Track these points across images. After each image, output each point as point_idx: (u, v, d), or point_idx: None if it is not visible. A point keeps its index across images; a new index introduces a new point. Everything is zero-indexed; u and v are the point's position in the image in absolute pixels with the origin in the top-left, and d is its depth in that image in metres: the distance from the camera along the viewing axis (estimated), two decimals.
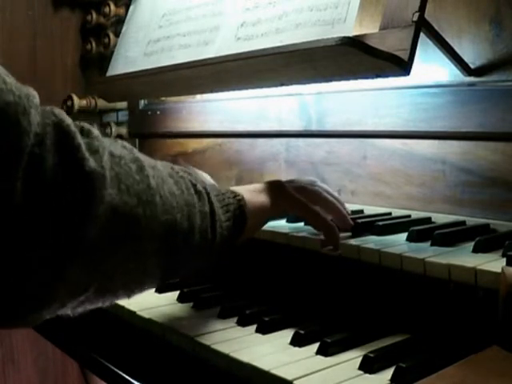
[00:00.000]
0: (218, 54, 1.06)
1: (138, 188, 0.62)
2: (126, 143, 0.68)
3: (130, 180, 0.62)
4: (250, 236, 0.87)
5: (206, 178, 1.01)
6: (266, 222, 0.91)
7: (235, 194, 0.82)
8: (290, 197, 0.89)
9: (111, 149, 0.62)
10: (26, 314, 0.58)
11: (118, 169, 0.61)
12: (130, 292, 0.68)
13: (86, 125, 0.61)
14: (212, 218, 0.75)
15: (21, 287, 0.55)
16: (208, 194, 0.76)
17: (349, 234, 0.92)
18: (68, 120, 0.58)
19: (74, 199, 0.55)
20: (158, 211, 0.65)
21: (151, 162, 0.69)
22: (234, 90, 1.25)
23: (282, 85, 1.07)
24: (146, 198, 0.63)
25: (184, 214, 0.69)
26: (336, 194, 1.02)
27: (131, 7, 1.39)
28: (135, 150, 0.67)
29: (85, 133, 0.60)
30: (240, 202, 0.82)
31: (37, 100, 0.56)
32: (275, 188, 0.89)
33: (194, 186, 0.74)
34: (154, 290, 1.02)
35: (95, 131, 0.61)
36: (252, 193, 0.86)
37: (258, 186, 0.89)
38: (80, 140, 0.57)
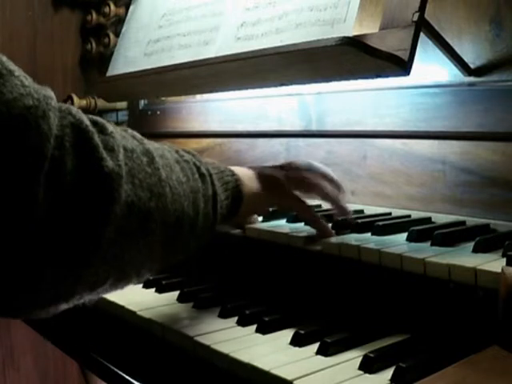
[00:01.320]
0: (218, 54, 1.06)
1: (150, 181, 0.64)
2: (135, 133, 0.69)
3: (143, 174, 0.63)
4: (242, 218, 0.92)
5: None
6: (259, 210, 0.96)
7: (233, 173, 0.86)
8: (284, 190, 0.93)
9: (124, 143, 0.63)
10: (46, 306, 0.60)
11: (131, 163, 0.62)
12: (141, 277, 0.70)
13: (100, 120, 0.62)
14: (214, 199, 0.78)
15: (44, 285, 0.56)
16: (211, 175, 0.79)
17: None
18: (85, 120, 0.58)
19: (94, 201, 0.56)
20: (168, 202, 0.67)
21: (159, 149, 0.70)
22: (233, 90, 1.25)
23: (282, 85, 1.07)
24: (157, 190, 0.65)
25: (190, 200, 0.72)
26: (334, 176, 1.02)
27: (131, 7, 1.39)
28: (145, 140, 0.69)
29: (99, 128, 0.60)
30: (237, 182, 0.86)
31: (54, 101, 0.56)
32: (272, 184, 0.92)
33: (198, 168, 0.76)
34: (154, 289, 1.02)
35: (109, 126, 0.62)
36: (250, 179, 0.89)
37: (256, 174, 0.91)
38: (97, 140, 0.58)
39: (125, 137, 0.65)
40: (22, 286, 0.55)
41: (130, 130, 0.69)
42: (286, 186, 0.93)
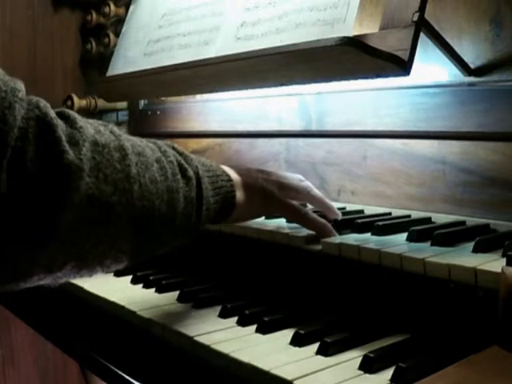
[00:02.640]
0: (218, 54, 1.06)
1: (116, 177, 0.66)
2: (115, 128, 0.71)
3: (110, 169, 0.66)
4: (236, 221, 0.95)
5: None
6: (251, 218, 0.98)
7: (229, 178, 0.87)
8: (279, 202, 0.95)
9: (96, 137, 0.65)
10: (5, 283, 0.63)
11: (100, 158, 0.65)
12: (106, 268, 0.72)
13: (72, 114, 0.65)
14: (199, 202, 0.79)
15: (2, 263, 0.60)
16: (199, 178, 0.80)
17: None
18: (51, 113, 0.61)
19: (52, 189, 0.60)
20: (135, 198, 0.69)
21: (138, 147, 0.72)
22: (233, 90, 1.25)
23: (281, 85, 1.07)
24: (123, 186, 0.67)
25: (164, 199, 0.73)
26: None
27: (131, 7, 1.39)
28: (123, 137, 0.71)
29: (69, 122, 0.63)
30: (232, 188, 0.87)
31: (22, 93, 0.59)
32: (265, 194, 0.94)
33: (184, 171, 0.78)
34: (153, 290, 1.02)
35: (80, 121, 0.65)
36: (245, 187, 0.90)
37: (250, 183, 0.92)
38: (61, 133, 0.61)
39: (100, 131, 0.67)
40: None
41: (110, 126, 0.71)
42: (280, 198, 0.95)
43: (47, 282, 0.67)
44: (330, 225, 0.94)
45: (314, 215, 0.96)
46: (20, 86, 0.60)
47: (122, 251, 0.71)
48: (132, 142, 0.72)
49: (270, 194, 0.94)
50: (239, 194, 0.89)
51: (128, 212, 0.68)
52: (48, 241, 0.61)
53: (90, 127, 0.66)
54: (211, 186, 0.82)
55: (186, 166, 0.79)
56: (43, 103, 0.62)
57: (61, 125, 0.62)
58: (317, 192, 1.03)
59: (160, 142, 0.80)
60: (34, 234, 0.60)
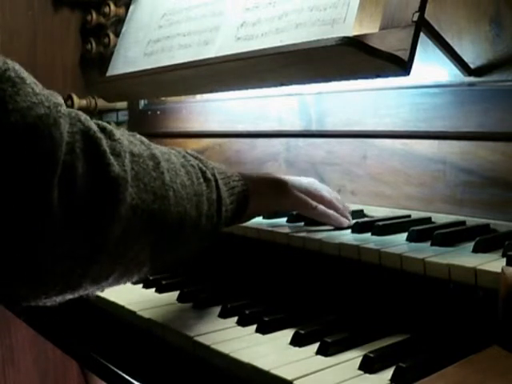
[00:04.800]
0: (218, 54, 1.06)
1: (154, 185, 0.68)
2: (143, 138, 0.73)
3: (148, 177, 0.67)
4: (248, 220, 0.95)
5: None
6: (265, 212, 1.01)
7: (240, 178, 0.88)
8: (294, 196, 0.95)
9: (131, 148, 0.67)
10: (53, 295, 0.64)
11: (138, 168, 0.66)
12: (143, 274, 0.73)
13: (108, 126, 0.66)
14: (218, 203, 0.81)
15: (52, 277, 0.60)
16: (216, 180, 0.81)
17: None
18: (93, 127, 0.62)
19: (101, 202, 0.60)
20: (171, 204, 0.70)
21: (166, 154, 0.74)
22: (233, 90, 1.25)
23: (281, 85, 1.07)
24: (161, 193, 0.68)
25: (193, 203, 0.74)
26: (335, 193, 1.06)
27: (131, 7, 1.39)
28: (152, 145, 0.73)
29: (107, 134, 0.64)
30: (244, 187, 0.88)
31: (64, 107, 0.59)
32: (279, 187, 0.95)
33: (204, 173, 0.79)
34: (154, 290, 1.02)
35: (117, 132, 0.66)
36: (256, 183, 0.91)
37: (264, 179, 0.94)
38: (105, 146, 0.62)
39: (132, 142, 0.69)
40: (33, 278, 0.59)
41: (138, 136, 0.73)
42: (290, 188, 0.95)
43: (91, 291, 0.68)
44: (336, 214, 0.97)
45: (323, 208, 0.97)
46: (60, 99, 0.60)
47: (157, 258, 0.72)
48: (159, 149, 0.74)
49: (283, 185, 0.95)
50: (251, 192, 0.89)
51: (165, 219, 0.69)
52: (99, 254, 0.62)
53: (124, 138, 0.67)
54: (225, 187, 0.84)
55: (204, 168, 0.80)
56: (83, 116, 0.62)
57: (103, 137, 0.62)
58: (329, 195, 1.00)
59: (177, 148, 0.81)
60: (85, 248, 0.60)
